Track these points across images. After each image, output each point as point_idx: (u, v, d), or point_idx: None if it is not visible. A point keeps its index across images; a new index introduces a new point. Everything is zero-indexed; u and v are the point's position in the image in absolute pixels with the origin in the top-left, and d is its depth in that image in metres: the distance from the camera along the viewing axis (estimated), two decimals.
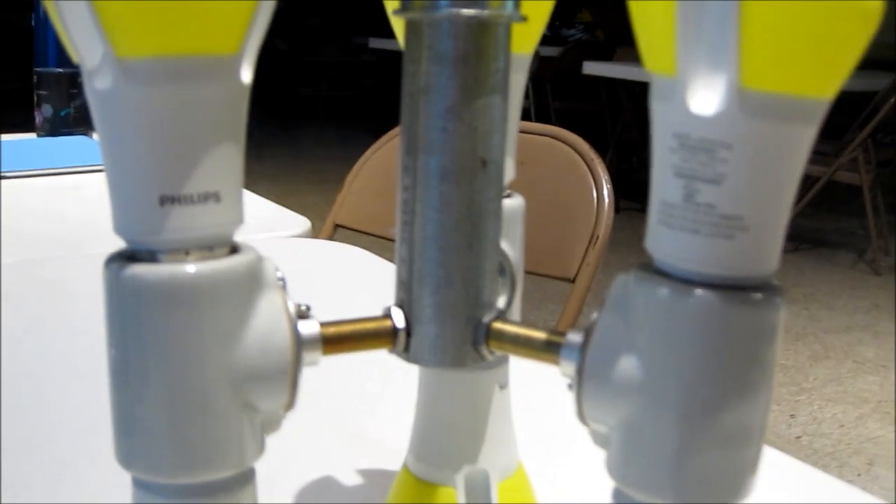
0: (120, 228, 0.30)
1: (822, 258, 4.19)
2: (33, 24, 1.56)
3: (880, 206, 4.15)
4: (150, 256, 0.29)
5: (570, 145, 1.33)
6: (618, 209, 3.70)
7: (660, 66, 0.28)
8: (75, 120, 1.54)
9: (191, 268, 0.29)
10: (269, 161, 5.81)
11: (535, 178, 1.34)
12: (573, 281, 1.24)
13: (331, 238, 1.43)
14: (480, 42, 0.31)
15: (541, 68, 5.67)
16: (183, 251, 0.29)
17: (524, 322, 0.34)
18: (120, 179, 0.29)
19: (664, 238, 0.29)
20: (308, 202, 4.62)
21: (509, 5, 0.31)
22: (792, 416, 2.60)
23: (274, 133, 7.08)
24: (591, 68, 4.54)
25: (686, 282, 0.28)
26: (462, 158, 0.32)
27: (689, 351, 0.28)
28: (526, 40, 0.38)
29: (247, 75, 0.29)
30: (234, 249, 0.31)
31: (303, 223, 1.14)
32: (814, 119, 0.27)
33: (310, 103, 8.31)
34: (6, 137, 1.58)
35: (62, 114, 1.53)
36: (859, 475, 2.28)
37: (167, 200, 0.28)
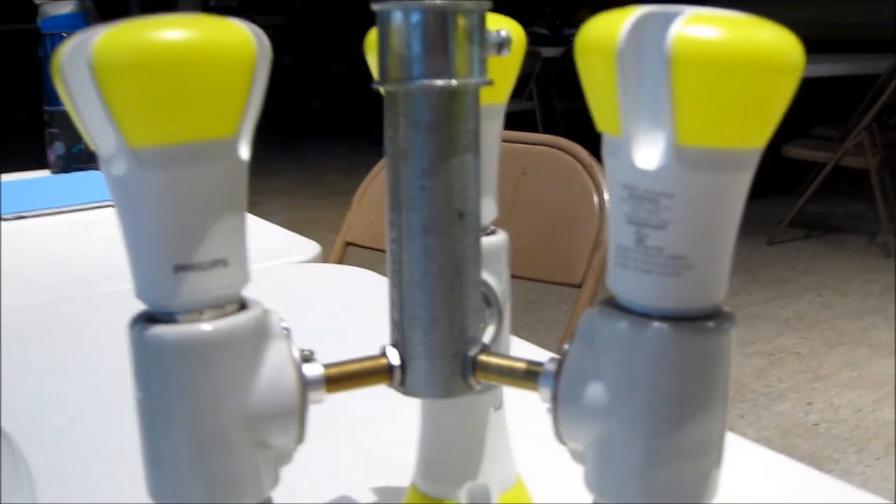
0: (140, 293, 0.33)
1: (832, 244, 4.21)
2: (40, 55, 1.59)
3: (888, 188, 4.16)
4: (169, 317, 0.33)
5: (569, 153, 1.36)
6: None
7: (607, 126, 0.31)
8: (87, 156, 1.58)
9: (206, 326, 0.33)
10: (279, 176, 5.86)
11: (538, 188, 1.37)
12: (580, 286, 1.27)
13: (342, 256, 1.46)
14: (451, 108, 0.35)
15: (544, 69, 5.69)
16: (197, 311, 0.33)
17: (505, 355, 0.38)
18: (137, 251, 0.33)
19: (621, 277, 0.32)
20: (317, 216, 4.67)
21: (476, 73, 0.35)
22: (809, 403, 2.62)
23: (282, 148, 7.12)
24: None
25: (644, 315, 0.32)
26: (441, 213, 0.35)
27: (649, 376, 0.32)
28: (497, 93, 0.42)
29: (245, 152, 0.33)
30: (242, 304, 0.35)
31: (312, 248, 1.17)
32: (747, 166, 0.31)
33: (316, 117, 8.36)
34: (21, 176, 1.62)
35: (74, 150, 1.57)
36: (878, 459, 2.30)
37: (180, 269, 0.32)
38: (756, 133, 0.30)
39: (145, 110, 0.30)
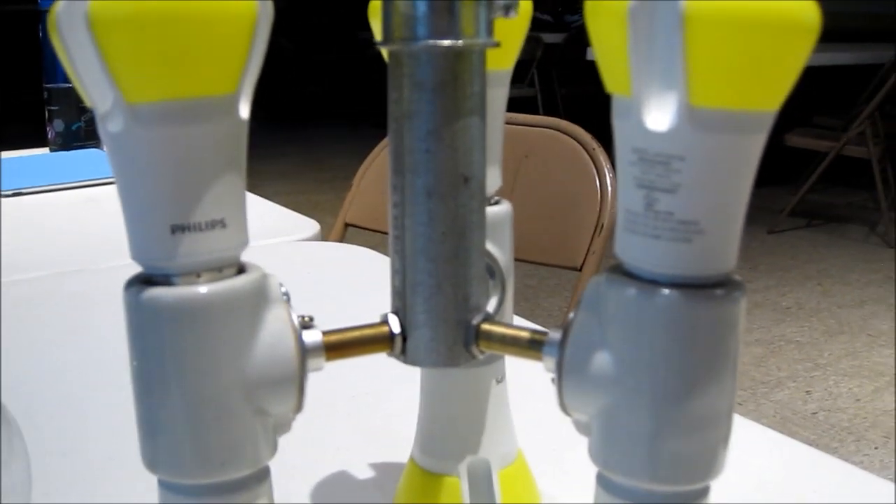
0: (136, 255, 0.33)
1: (834, 233, 4.20)
2: (41, 37, 1.58)
3: (890, 178, 4.16)
4: (165, 279, 0.32)
5: (571, 136, 1.35)
6: None
7: (617, 87, 0.31)
8: (87, 133, 1.57)
9: (203, 288, 0.32)
10: (280, 160, 5.85)
11: (540, 170, 1.37)
12: (580, 270, 1.27)
13: (342, 237, 1.45)
14: (457, 69, 0.34)
15: (546, 55, 5.68)
16: (195, 273, 0.32)
17: (509, 324, 0.37)
18: (134, 211, 0.32)
19: (630, 243, 0.31)
20: (319, 200, 4.66)
21: (482, 34, 0.34)
22: (808, 392, 2.61)
23: (283, 132, 7.12)
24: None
25: (652, 282, 0.31)
26: (445, 177, 0.35)
27: (657, 345, 0.31)
28: (503, 59, 0.41)
29: (245, 111, 0.32)
30: (241, 269, 0.34)
31: (312, 226, 1.16)
32: (760, 129, 0.30)
33: (317, 101, 8.34)
34: (20, 154, 1.61)
35: (73, 128, 1.56)
36: (876, 448, 2.30)
37: (178, 229, 0.31)
38: (770, 95, 0.29)
39: (143, 65, 0.30)
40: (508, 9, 0.36)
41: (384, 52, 0.36)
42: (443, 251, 0.35)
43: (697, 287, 0.31)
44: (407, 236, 0.36)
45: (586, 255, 1.26)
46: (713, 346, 0.31)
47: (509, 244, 0.44)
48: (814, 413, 2.49)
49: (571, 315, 0.34)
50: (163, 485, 0.35)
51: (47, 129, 1.58)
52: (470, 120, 0.35)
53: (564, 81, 5.93)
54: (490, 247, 0.42)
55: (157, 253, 0.32)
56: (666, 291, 0.31)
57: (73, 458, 0.58)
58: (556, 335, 0.34)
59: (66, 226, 1.19)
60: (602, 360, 0.32)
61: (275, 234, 1.12)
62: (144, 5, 0.29)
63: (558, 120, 1.38)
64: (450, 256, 0.36)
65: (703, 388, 0.32)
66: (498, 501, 0.44)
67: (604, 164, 1.30)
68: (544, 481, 0.50)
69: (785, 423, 2.43)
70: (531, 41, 5.55)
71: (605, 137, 1.24)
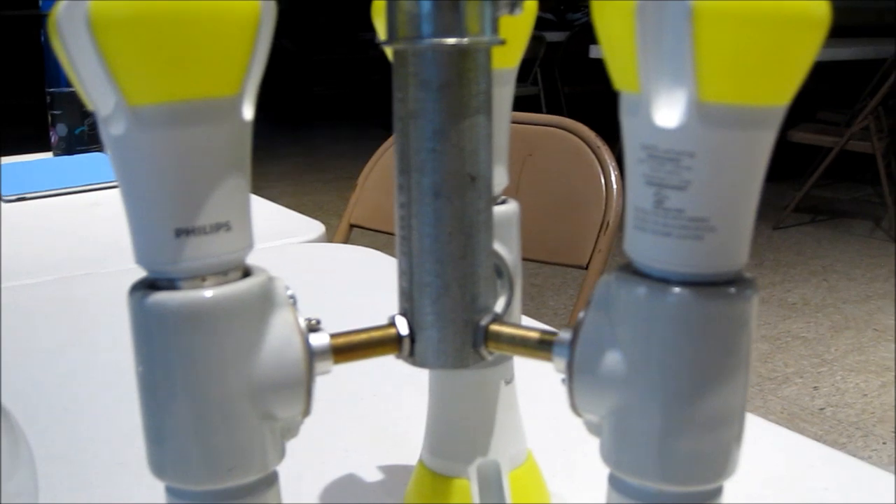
0: (140, 259, 0.32)
1: (838, 228, 4.19)
2: (43, 41, 1.58)
3: (894, 173, 4.15)
4: (170, 284, 0.32)
5: (576, 134, 1.35)
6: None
7: (625, 84, 0.30)
8: (90, 137, 1.57)
9: (208, 293, 0.32)
10: (284, 161, 5.85)
11: (544, 169, 1.36)
12: (586, 268, 1.26)
13: (347, 238, 1.45)
14: (462, 68, 0.33)
15: (548, 54, 5.68)
16: (199, 277, 0.32)
17: (518, 324, 0.37)
18: (137, 215, 0.32)
19: (640, 241, 0.31)
20: (323, 200, 4.66)
21: (488, 32, 0.34)
22: (815, 388, 2.61)
23: (287, 133, 7.12)
24: (598, 51, 4.54)
25: (662, 281, 0.31)
26: (452, 176, 0.34)
27: (668, 344, 0.31)
28: (509, 57, 0.40)
29: (248, 112, 0.32)
30: (246, 272, 0.34)
31: (317, 227, 1.16)
32: (771, 124, 0.29)
33: (320, 102, 8.34)
34: (23, 159, 1.61)
35: (77, 132, 1.56)
36: (885, 443, 2.30)
37: (182, 233, 0.31)
38: (781, 90, 0.29)
39: (145, 67, 0.29)
40: (514, 6, 0.35)
41: (388, 51, 0.36)
42: (450, 251, 0.35)
43: (709, 285, 0.31)
44: (414, 237, 0.35)
45: (592, 253, 1.26)
46: (725, 345, 0.31)
47: (517, 243, 0.43)
48: (821, 409, 2.49)
49: (581, 314, 0.33)
50: (170, 491, 0.35)
51: (50, 133, 1.58)
52: (476, 119, 0.34)
53: (568, 80, 5.92)
54: (497, 246, 0.41)
55: (161, 257, 0.32)
56: (677, 290, 0.30)
57: (79, 463, 0.58)
58: (566, 335, 0.34)
59: (70, 230, 1.19)
60: (613, 360, 0.32)
61: (280, 235, 1.12)
62: (146, 6, 0.29)
63: (562, 118, 1.37)
64: (457, 256, 0.35)
65: (716, 387, 0.31)
66: (508, 503, 0.43)
67: (608, 161, 1.29)
68: (555, 483, 0.50)
69: (792, 420, 2.42)
70: (534, 39, 5.53)
71: (609, 135, 1.24)
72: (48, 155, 1.61)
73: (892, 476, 0.54)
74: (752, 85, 0.28)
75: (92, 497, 0.54)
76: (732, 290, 0.31)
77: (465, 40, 0.33)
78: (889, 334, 2.97)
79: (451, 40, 0.33)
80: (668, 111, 0.29)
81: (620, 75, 0.30)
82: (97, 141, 1.57)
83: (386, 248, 1.08)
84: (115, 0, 0.29)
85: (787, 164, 4.28)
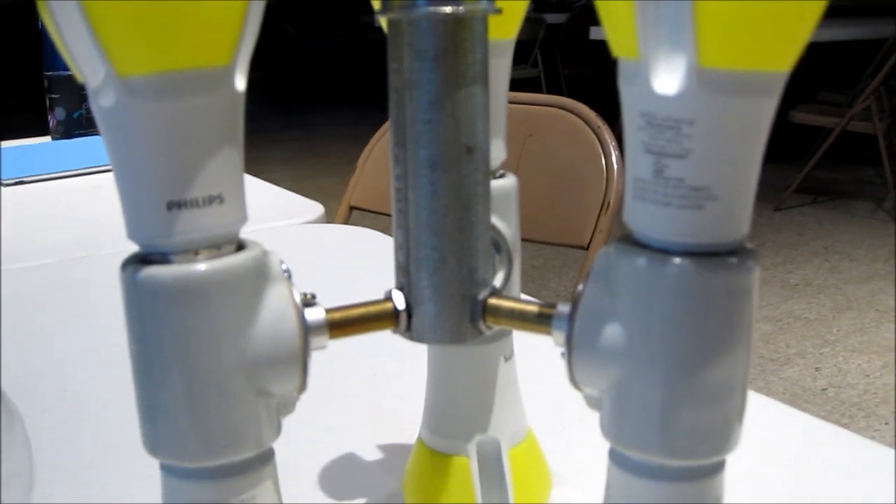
0: (132, 234, 0.32)
1: (840, 209, 4.18)
2: (40, 27, 1.58)
3: None
4: (163, 258, 0.32)
5: (576, 114, 1.34)
6: None
7: (624, 51, 0.30)
8: (88, 121, 1.56)
9: (201, 266, 0.31)
10: (284, 145, 5.84)
11: (545, 149, 1.36)
12: (587, 248, 1.26)
13: (347, 220, 1.45)
14: (458, 37, 0.33)
15: (549, 36, 5.66)
16: (192, 251, 0.31)
17: (517, 298, 0.36)
18: (129, 188, 0.31)
19: (639, 211, 0.30)
20: (324, 184, 4.65)
21: (484, 0, 0.33)
22: (817, 368, 2.60)
23: (287, 117, 7.10)
24: (599, 33, 4.53)
25: (663, 251, 0.30)
26: (448, 147, 0.34)
27: (669, 315, 0.30)
28: (506, 27, 0.40)
29: (241, 83, 0.31)
30: (240, 246, 0.33)
31: (316, 209, 1.16)
32: (772, 91, 0.29)
33: (320, 85, 8.32)
34: (22, 143, 1.60)
35: (75, 116, 1.56)
36: (887, 424, 2.29)
37: (174, 205, 0.30)
38: (781, 55, 0.28)
39: (135, 37, 0.29)
40: None
41: (383, 21, 0.35)
42: (447, 224, 0.35)
43: (710, 255, 0.30)
44: (410, 209, 0.35)
45: (593, 233, 1.26)
46: (727, 316, 0.30)
47: (515, 218, 0.43)
48: (823, 389, 2.48)
49: (580, 287, 0.33)
50: (165, 469, 0.34)
51: (48, 117, 1.57)
52: (472, 89, 0.34)
53: (568, 62, 5.90)
54: (496, 220, 0.41)
55: (153, 231, 0.31)
56: (677, 260, 0.30)
57: (76, 444, 0.58)
58: (565, 308, 0.33)
59: (68, 213, 1.18)
60: (613, 333, 0.32)
61: (279, 217, 1.12)
62: None
63: (562, 98, 1.37)
64: (454, 229, 0.35)
65: (718, 359, 0.31)
66: (508, 480, 0.43)
67: (609, 141, 1.29)
68: (555, 459, 0.49)
69: (795, 400, 2.42)
70: (534, 21, 5.52)
71: (609, 117, 1.23)
72: (46, 139, 1.60)
73: (892, 451, 0.54)
74: (752, 50, 0.28)
75: (88, 479, 0.54)
76: (734, 260, 0.30)
77: (461, 8, 0.32)
78: (891, 315, 2.96)
79: (447, 8, 0.32)
80: (668, 78, 0.28)
81: (619, 42, 0.30)
82: (95, 124, 1.56)
83: (386, 230, 1.07)
84: None
85: (788, 145, 4.27)
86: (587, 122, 1.32)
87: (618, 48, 0.30)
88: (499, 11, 0.34)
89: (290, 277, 0.34)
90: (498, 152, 0.41)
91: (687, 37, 0.28)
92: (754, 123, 0.29)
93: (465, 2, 0.33)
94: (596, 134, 1.31)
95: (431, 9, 0.32)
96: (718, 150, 0.29)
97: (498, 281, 0.41)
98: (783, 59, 0.28)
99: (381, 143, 1.48)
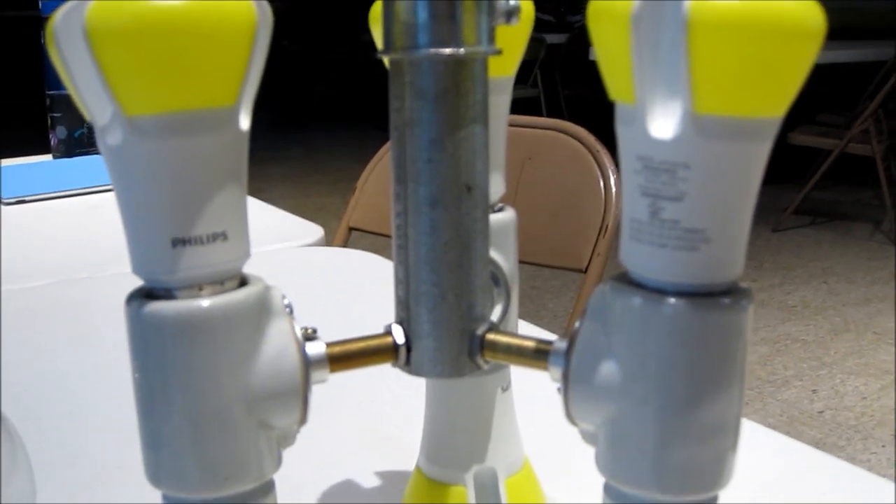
0: (137, 268, 0.32)
1: (838, 231, 4.19)
2: (42, 44, 1.58)
3: (894, 175, 4.14)
4: (167, 293, 0.32)
5: (575, 137, 1.35)
6: None
7: (621, 95, 0.30)
8: (89, 140, 1.57)
9: (205, 302, 0.32)
10: (285, 162, 5.84)
11: (543, 173, 1.36)
12: (585, 271, 1.26)
13: (346, 241, 1.45)
14: (458, 78, 0.34)
15: (548, 56, 5.68)
16: (196, 287, 0.32)
17: (514, 333, 0.37)
18: (134, 224, 0.32)
19: (635, 252, 0.31)
20: (324, 203, 4.66)
21: (484, 42, 0.34)
22: (814, 391, 2.61)
23: (287, 134, 7.11)
24: None
25: (658, 291, 0.31)
26: (448, 186, 0.34)
27: (663, 354, 0.31)
28: (505, 65, 0.41)
29: (245, 123, 0.32)
30: (243, 281, 0.34)
31: (316, 231, 1.16)
32: (766, 136, 0.30)
33: (321, 103, 8.34)
34: (23, 161, 1.61)
35: (76, 135, 1.56)
36: (884, 446, 2.29)
37: (178, 242, 0.31)
38: (776, 101, 0.29)
39: (142, 78, 0.29)
40: (510, 15, 0.36)
41: (385, 60, 0.36)
42: (446, 261, 0.35)
43: (704, 296, 0.31)
44: (410, 246, 0.35)
45: (591, 256, 1.26)
46: (720, 355, 0.31)
47: (514, 252, 0.43)
48: (820, 412, 2.48)
49: (577, 324, 0.33)
50: (167, 499, 0.35)
51: (50, 136, 1.58)
52: (472, 128, 0.34)
53: (568, 82, 5.92)
54: (494, 254, 0.41)
55: (158, 266, 0.32)
56: (672, 300, 0.31)
57: (77, 467, 0.58)
58: (561, 345, 0.34)
59: (69, 233, 1.19)
60: (608, 370, 0.32)
61: (279, 239, 1.12)
62: (143, 17, 0.29)
63: (561, 121, 1.37)
64: (453, 266, 0.35)
65: (711, 398, 0.31)
66: None
67: (607, 165, 1.29)
68: (551, 489, 0.50)
69: (791, 423, 2.42)
70: (534, 42, 5.53)
71: (608, 138, 1.23)
72: (47, 157, 1.60)
73: (891, 483, 0.54)
74: (747, 97, 0.28)
75: (90, 501, 0.54)
76: (727, 300, 0.31)
77: (462, 50, 0.33)
78: (889, 337, 2.97)
79: (448, 50, 0.33)
80: (664, 122, 0.29)
81: (616, 86, 0.31)
82: (96, 143, 1.57)
83: (385, 251, 1.08)
84: (112, 11, 0.29)
85: (786, 167, 4.27)
86: (586, 146, 1.33)
87: (615, 92, 0.31)
88: (499, 52, 0.35)
89: (291, 312, 0.35)
90: (497, 187, 0.42)
91: (682, 84, 0.28)
92: (748, 168, 0.30)
93: (465, 44, 0.33)
94: (594, 157, 1.31)
95: (433, 50, 0.33)
96: (713, 193, 0.29)
97: (496, 313, 0.41)
98: (777, 105, 0.29)
99: (381, 164, 1.49)
